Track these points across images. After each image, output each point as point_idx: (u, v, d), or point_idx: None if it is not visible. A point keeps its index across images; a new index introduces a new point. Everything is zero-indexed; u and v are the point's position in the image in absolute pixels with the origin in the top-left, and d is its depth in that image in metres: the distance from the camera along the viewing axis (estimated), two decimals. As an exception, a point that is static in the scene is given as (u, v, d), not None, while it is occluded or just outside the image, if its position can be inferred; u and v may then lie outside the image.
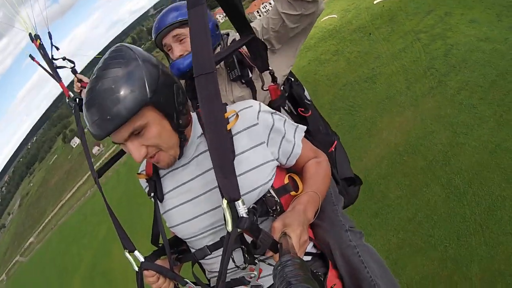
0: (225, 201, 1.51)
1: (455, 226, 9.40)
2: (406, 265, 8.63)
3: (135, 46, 1.97)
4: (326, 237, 2.49)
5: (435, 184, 10.64)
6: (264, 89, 2.91)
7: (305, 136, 2.58)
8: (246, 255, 1.83)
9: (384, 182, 11.95)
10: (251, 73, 2.98)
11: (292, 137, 2.22)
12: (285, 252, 1.46)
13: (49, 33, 3.56)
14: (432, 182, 10.78)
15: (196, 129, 2.13)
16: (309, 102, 3.22)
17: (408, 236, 9.52)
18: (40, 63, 3.59)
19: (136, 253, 2.12)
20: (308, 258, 2.23)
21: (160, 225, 2.21)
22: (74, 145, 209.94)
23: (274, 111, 2.23)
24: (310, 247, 2.27)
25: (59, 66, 3.46)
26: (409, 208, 10.40)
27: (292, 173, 2.28)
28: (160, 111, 1.89)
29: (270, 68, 2.75)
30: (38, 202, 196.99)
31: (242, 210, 1.52)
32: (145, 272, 2.13)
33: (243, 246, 1.82)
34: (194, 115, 2.19)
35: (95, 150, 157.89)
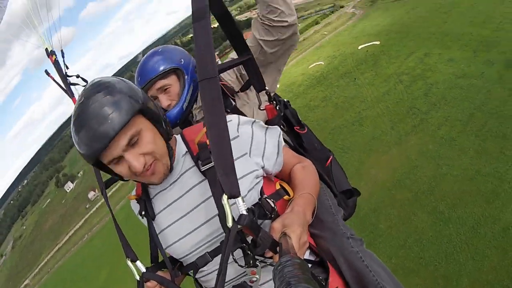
0: (225, 197, 1.54)
1: (443, 246, 9.75)
2: (400, 286, 8.89)
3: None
4: (328, 245, 2.53)
5: (422, 212, 11.00)
6: (261, 109, 2.96)
7: (302, 153, 2.93)
8: (248, 252, 1.78)
9: (374, 215, 12.25)
10: (234, 102, 3.06)
11: (274, 146, 2.27)
12: (285, 252, 1.47)
13: (62, 51, 3.67)
14: (419, 211, 11.14)
15: (180, 148, 2.19)
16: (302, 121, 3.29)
17: (400, 261, 9.77)
18: (54, 78, 3.63)
19: (138, 263, 2.19)
20: (309, 266, 2.06)
21: (158, 242, 2.22)
22: (68, 189, 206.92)
23: (254, 120, 2.28)
24: (308, 255, 2.28)
25: (72, 83, 3.51)
26: (399, 236, 10.65)
27: (280, 180, 2.34)
28: (149, 119, 1.99)
29: (266, 88, 2.87)
30: (32, 245, 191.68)
31: (242, 208, 1.56)
32: (147, 284, 2.18)
33: (244, 244, 1.78)
34: (178, 136, 2.26)
35: (90, 195, 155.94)
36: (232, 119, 2.20)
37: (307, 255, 2.25)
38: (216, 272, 1.89)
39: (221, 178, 1.57)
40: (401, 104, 20.52)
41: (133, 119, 1.87)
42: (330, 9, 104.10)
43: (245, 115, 2.98)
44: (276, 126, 2.41)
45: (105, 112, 1.80)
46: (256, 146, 2.18)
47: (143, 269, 2.18)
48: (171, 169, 2.11)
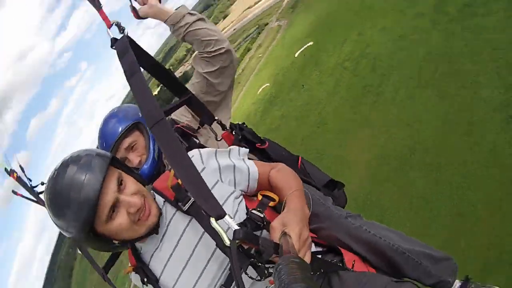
0: (213, 219, 1.56)
1: (441, 189, 9.48)
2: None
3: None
4: (332, 232, 2.63)
5: (413, 171, 10.96)
6: (218, 139, 3.11)
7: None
8: (258, 264, 1.78)
9: (374, 194, 11.93)
10: (198, 140, 3.14)
11: (242, 164, 2.32)
12: (285, 252, 1.48)
13: (20, 166, 3.69)
14: (410, 171, 11.07)
15: (157, 200, 2.21)
16: (260, 137, 3.43)
17: (413, 223, 9.44)
18: (22, 194, 3.70)
19: None
20: (319, 256, 2.29)
21: None
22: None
23: (215, 149, 2.35)
24: (314, 248, 2.36)
25: (40, 192, 3.52)
26: (403, 200, 10.43)
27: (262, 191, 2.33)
28: (121, 168, 2.07)
29: (216, 118, 3.03)
30: None
31: (232, 224, 1.59)
32: None
33: (252, 259, 1.77)
34: (151, 192, 2.28)
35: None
36: (194, 154, 2.27)
37: (313, 248, 2.33)
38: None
39: (203, 206, 1.62)
40: (354, 88, 20.46)
41: (109, 170, 1.92)
42: (256, 31, 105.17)
43: None
44: (234, 147, 2.49)
45: (79, 179, 1.81)
46: (224, 172, 2.25)
47: None
48: (160, 211, 2.14)
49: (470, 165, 9.53)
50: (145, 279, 2.21)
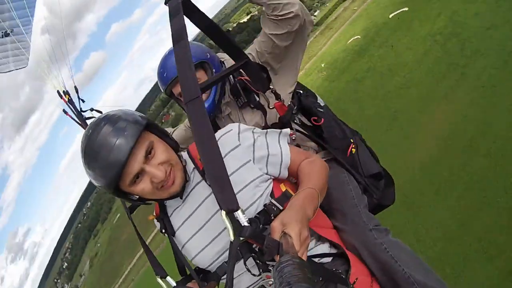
0: (223, 213, 1.58)
1: (501, 182, 9.49)
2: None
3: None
4: (351, 239, 2.49)
5: (477, 156, 11.25)
6: (270, 107, 3.01)
7: (322, 144, 2.95)
8: (258, 261, 1.85)
9: (436, 164, 12.70)
10: (258, 97, 3.06)
11: (277, 148, 2.27)
12: (285, 252, 1.48)
13: (75, 87, 3.75)
14: (474, 155, 11.38)
15: (188, 164, 2.27)
16: (321, 110, 3.20)
17: (467, 201, 9.85)
18: (72, 116, 3.74)
19: (168, 278, 2.27)
20: (329, 259, 2.22)
21: (181, 256, 2.25)
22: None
23: (253, 127, 2.33)
24: (328, 248, 2.26)
25: (87, 117, 3.66)
26: (460, 180, 10.89)
27: (289, 180, 2.38)
28: (156, 134, 2.08)
29: (271, 87, 2.88)
30: (111, 260, 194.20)
31: (243, 220, 1.60)
32: None
33: (253, 254, 1.83)
34: (185, 153, 2.33)
35: None
36: (232, 128, 2.23)
37: (327, 249, 2.24)
38: (236, 280, 2.09)
39: (217, 196, 1.61)
40: (440, 62, 21.32)
41: (142, 135, 1.92)
42: None
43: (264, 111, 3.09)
44: (277, 129, 2.41)
45: (111, 141, 1.81)
46: (258, 151, 2.19)
47: (173, 284, 2.24)
48: (188, 178, 2.17)
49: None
50: (163, 230, 2.31)
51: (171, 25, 1.95)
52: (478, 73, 17.43)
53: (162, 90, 3.34)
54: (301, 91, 3.25)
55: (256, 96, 3.04)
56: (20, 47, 3.90)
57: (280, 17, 2.73)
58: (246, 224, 1.60)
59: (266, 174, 2.20)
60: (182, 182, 2.10)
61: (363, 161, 3.20)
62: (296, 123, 3.11)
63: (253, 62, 2.76)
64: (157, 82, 3.45)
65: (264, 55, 3.02)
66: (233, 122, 2.76)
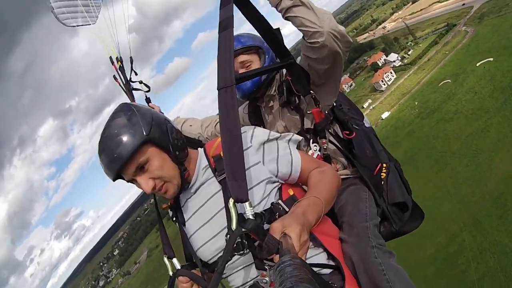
0: (231, 201, 1.57)
1: None
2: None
3: (133, 103, 2.22)
4: (351, 252, 2.31)
5: None
6: (308, 112, 2.93)
7: (350, 159, 2.93)
8: (257, 256, 1.81)
9: (503, 197, 15.14)
10: (299, 100, 2.97)
11: (287, 153, 2.22)
12: (285, 252, 1.43)
13: (130, 57, 3.72)
14: None
15: (202, 161, 2.25)
16: (356, 127, 3.04)
17: None
18: (120, 83, 3.68)
19: (175, 260, 2.28)
20: (328, 271, 2.12)
21: (188, 245, 2.29)
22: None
23: (268, 131, 2.26)
24: (325, 259, 2.16)
25: (134, 88, 3.63)
26: None
27: (299, 186, 2.34)
28: (158, 146, 2.01)
29: (311, 92, 2.84)
30: None
31: (249, 212, 1.58)
32: (181, 278, 2.22)
33: (244, 250, 1.77)
34: (201, 150, 2.32)
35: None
36: (246, 130, 2.20)
37: (324, 259, 2.15)
38: (236, 273, 2.14)
39: (229, 183, 1.61)
40: None
41: (141, 148, 1.93)
42: (445, 28, 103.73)
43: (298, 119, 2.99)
44: (289, 133, 2.36)
45: (119, 138, 1.89)
46: (268, 154, 2.16)
47: (178, 266, 2.26)
48: (187, 184, 2.18)
49: None
50: (174, 219, 2.36)
51: (220, 13, 1.95)
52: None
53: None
54: (335, 103, 3.06)
55: (296, 99, 2.94)
56: (89, 5, 3.81)
57: (309, 44, 2.60)
58: (251, 217, 1.61)
59: (276, 176, 2.15)
60: (173, 194, 2.12)
61: (390, 188, 2.93)
62: (330, 132, 3.00)
63: (297, 64, 2.76)
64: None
65: (305, 67, 2.83)
66: (274, 116, 3.07)
